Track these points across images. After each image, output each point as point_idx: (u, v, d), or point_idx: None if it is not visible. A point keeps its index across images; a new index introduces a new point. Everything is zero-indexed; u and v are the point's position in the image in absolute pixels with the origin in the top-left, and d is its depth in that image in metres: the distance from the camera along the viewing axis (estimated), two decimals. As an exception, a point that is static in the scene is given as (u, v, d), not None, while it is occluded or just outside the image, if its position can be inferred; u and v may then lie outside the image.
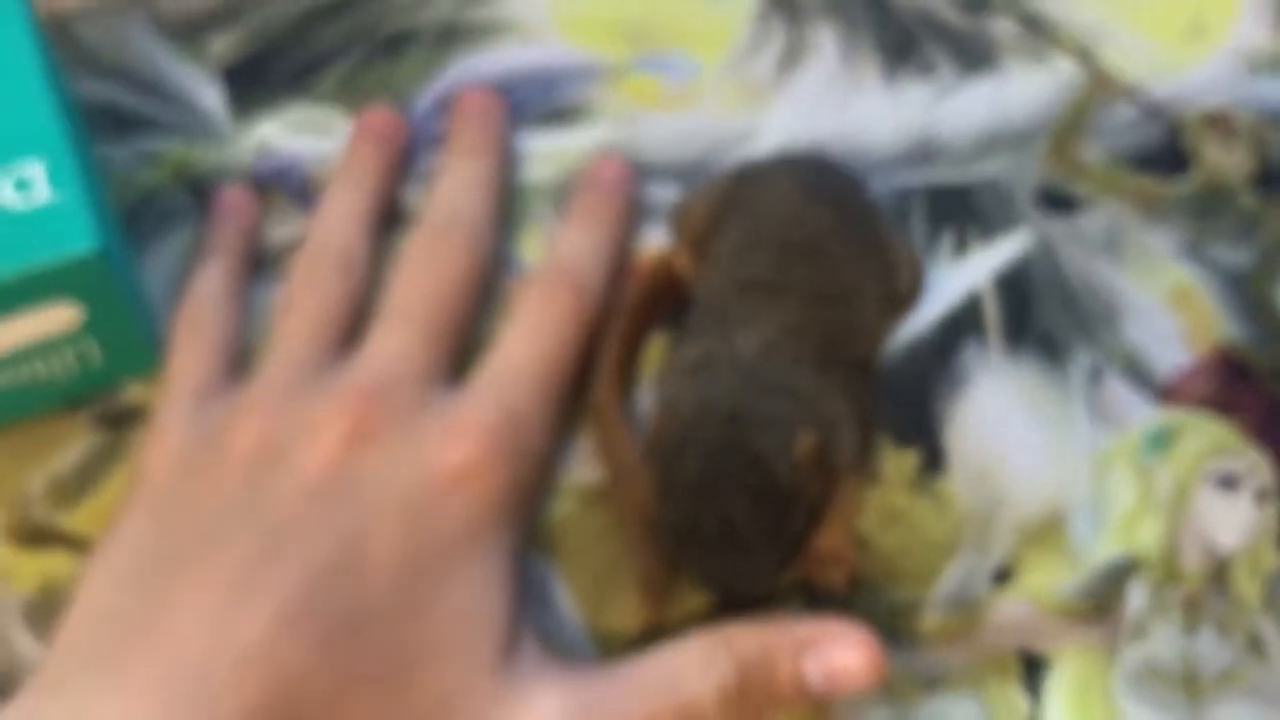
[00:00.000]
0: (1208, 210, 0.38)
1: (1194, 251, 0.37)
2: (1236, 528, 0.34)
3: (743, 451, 0.30)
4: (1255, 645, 0.33)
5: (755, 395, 0.30)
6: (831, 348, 0.32)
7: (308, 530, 0.30)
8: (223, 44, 0.40)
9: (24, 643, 0.33)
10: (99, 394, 0.35)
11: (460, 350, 0.34)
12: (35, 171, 0.32)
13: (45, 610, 0.33)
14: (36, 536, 0.34)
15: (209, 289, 0.35)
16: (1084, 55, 0.40)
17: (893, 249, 0.34)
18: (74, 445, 0.35)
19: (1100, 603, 0.33)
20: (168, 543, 0.30)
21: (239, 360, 0.35)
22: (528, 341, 0.33)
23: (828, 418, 0.31)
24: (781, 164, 0.34)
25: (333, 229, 0.35)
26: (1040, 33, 0.40)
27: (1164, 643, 0.33)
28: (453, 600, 0.30)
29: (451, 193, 0.36)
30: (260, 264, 0.37)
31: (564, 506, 0.34)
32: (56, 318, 0.33)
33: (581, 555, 0.34)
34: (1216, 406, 0.35)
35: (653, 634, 0.32)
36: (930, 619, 0.33)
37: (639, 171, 0.38)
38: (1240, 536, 0.34)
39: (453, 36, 0.40)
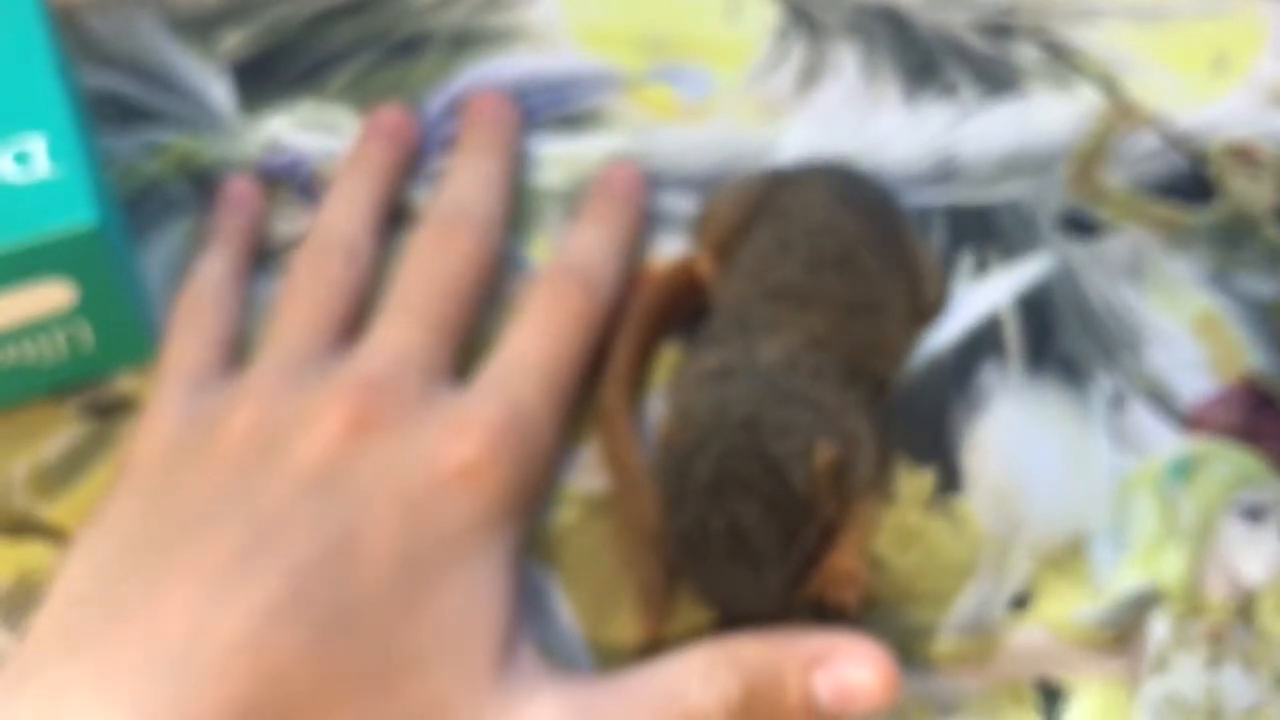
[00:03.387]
0: (1232, 240, 0.37)
1: (1218, 281, 0.36)
2: (1263, 560, 0.33)
3: (758, 456, 0.28)
4: (1282, 681, 0.31)
5: (775, 403, 0.29)
6: (857, 362, 0.31)
7: (301, 521, 0.28)
8: (234, 40, 0.39)
9: (-4, 635, 0.31)
10: (89, 383, 0.34)
11: (464, 346, 0.33)
12: (36, 145, 0.31)
13: (21, 602, 0.32)
14: (15, 526, 0.33)
15: (211, 277, 0.34)
16: (1107, 83, 0.39)
17: (920, 259, 0.33)
18: (60, 434, 0.34)
19: (1121, 632, 0.32)
20: (154, 529, 0.29)
21: (237, 352, 0.33)
22: (535, 339, 0.32)
23: (849, 433, 0.30)
24: (814, 171, 0.33)
25: (338, 220, 0.34)
26: (1063, 60, 0.39)
27: (1187, 676, 0.31)
28: (449, 600, 0.29)
29: (460, 189, 0.35)
30: (263, 258, 0.36)
31: (566, 515, 0.33)
32: (50, 296, 0.32)
33: (583, 566, 0.32)
34: (1241, 436, 0.34)
35: (654, 648, 0.31)
36: (945, 643, 0.32)
37: (652, 180, 0.37)
38: (1267, 569, 0.33)
39: (467, 41, 0.39)
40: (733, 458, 0.29)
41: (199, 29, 0.39)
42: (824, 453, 0.29)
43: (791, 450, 0.29)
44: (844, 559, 0.31)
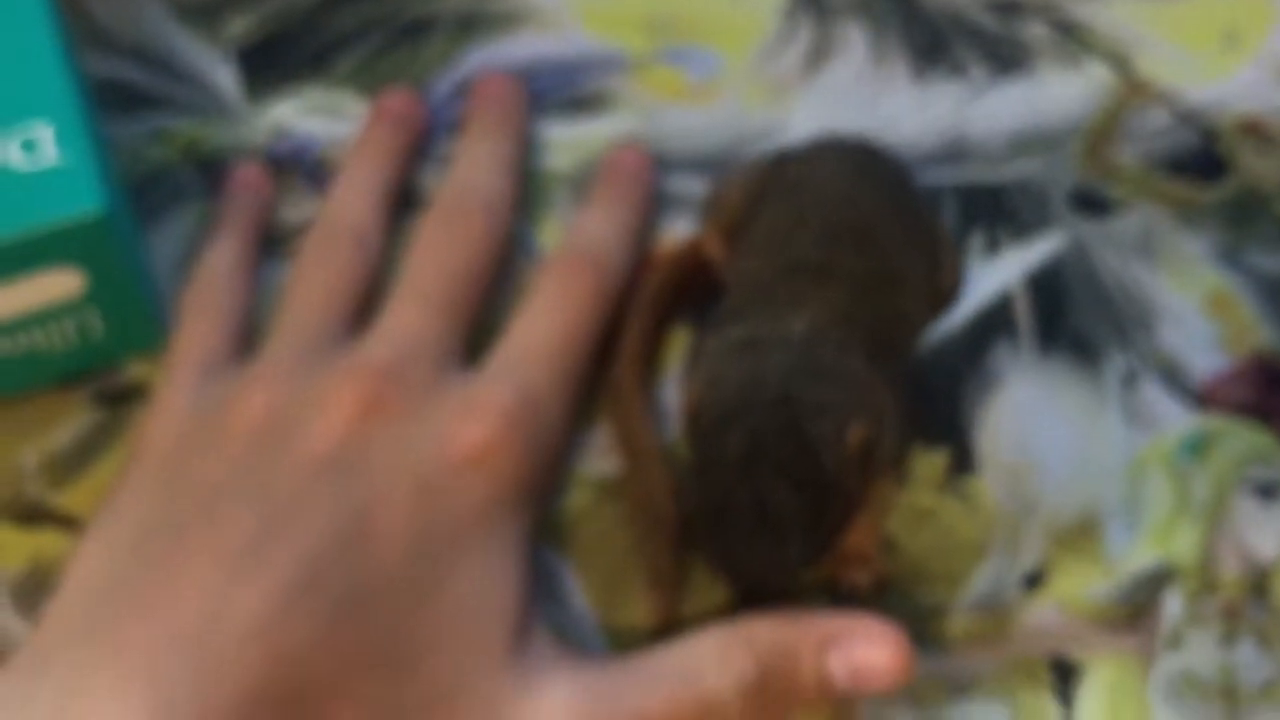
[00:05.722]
0: (1244, 217, 0.37)
1: (1230, 257, 0.36)
2: (1276, 537, 0.33)
3: (792, 434, 0.28)
4: (1297, 658, 0.31)
5: (808, 378, 0.29)
6: (878, 337, 0.30)
7: (314, 506, 0.28)
8: (239, 25, 0.39)
9: (12, 623, 0.31)
10: (100, 370, 0.34)
11: (475, 330, 0.33)
12: (43, 133, 0.31)
13: (34, 590, 0.32)
14: (28, 514, 0.33)
15: (219, 264, 0.34)
16: (1118, 60, 0.39)
17: (938, 239, 0.33)
18: (71, 422, 0.34)
19: (1135, 610, 0.32)
20: (166, 516, 0.29)
21: (247, 338, 0.33)
22: (545, 322, 0.32)
23: (877, 410, 0.29)
24: (827, 146, 0.33)
25: (346, 205, 0.34)
26: (1073, 38, 0.39)
27: (1201, 653, 0.31)
28: (462, 585, 0.29)
29: (468, 171, 0.35)
30: (271, 244, 0.36)
31: (578, 499, 0.33)
32: (58, 284, 0.32)
33: (596, 549, 0.32)
34: (1254, 413, 0.34)
35: (668, 630, 0.31)
36: (958, 622, 0.32)
37: (660, 162, 0.37)
38: (1279, 547, 0.33)
39: (473, 24, 0.39)
40: (765, 434, 0.28)
41: (204, 14, 0.39)
42: (857, 434, 0.29)
43: (825, 430, 0.28)
44: (859, 540, 0.31)
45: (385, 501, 0.29)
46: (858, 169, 0.32)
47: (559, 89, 0.38)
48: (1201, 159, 0.37)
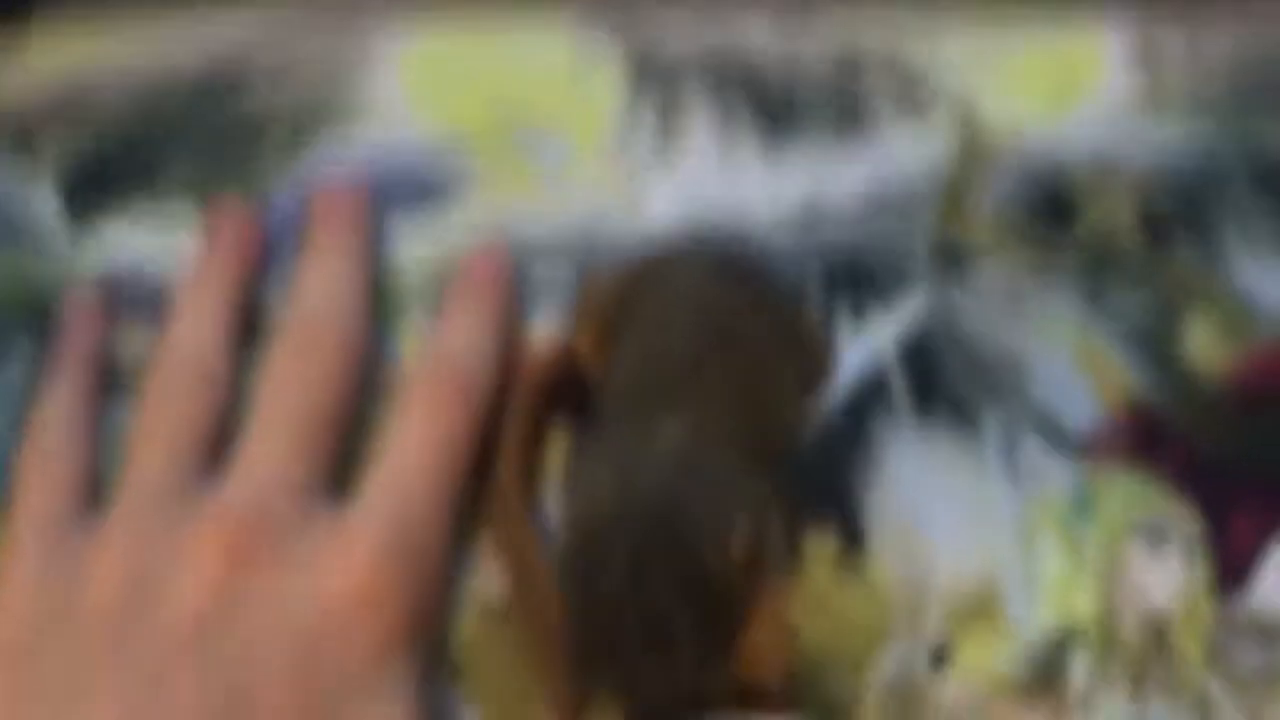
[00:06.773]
0: (1100, 264, 0.37)
1: (1093, 306, 0.36)
2: (1169, 584, 0.33)
3: (675, 544, 0.28)
4: (1203, 705, 0.31)
5: (683, 486, 0.28)
6: (755, 435, 0.30)
7: (186, 680, 0.26)
8: (57, 146, 0.36)
9: None
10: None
11: (339, 458, 0.31)
12: None
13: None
14: None
15: (57, 414, 0.31)
16: (961, 112, 0.39)
17: (803, 326, 0.32)
18: (-95, 600, 0.31)
19: (1045, 676, 0.32)
20: (27, 707, 0.26)
21: (94, 491, 0.31)
22: (414, 447, 0.31)
23: (759, 509, 0.29)
24: (687, 248, 0.33)
25: (188, 339, 0.32)
26: (917, 93, 0.39)
27: (1112, 714, 0.31)
28: (356, 739, 0.27)
29: (313, 290, 0.33)
30: (111, 383, 0.33)
31: (467, 626, 0.31)
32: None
33: (488, 676, 0.31)
34: (1134, 461, 0.34)
35: (574, 756, 0.30)
36: (873, 710, 0.31)
37: (519, 252, 0.35)
38: (1174, 593, 0.33)
39: (309, 122, 0.37)
40: (648, 547, 0.28)
41: (18, 136, 0.36)
42: (740, 536, 0.28)
43: (708, 537, 0.28)
44: (763, 635, 0.30)
45: (264, 666, 0.27)
46: (719, 269, 0.32)
47: (403, 184, 0.37)
48: (1053, 208, 0.38)
